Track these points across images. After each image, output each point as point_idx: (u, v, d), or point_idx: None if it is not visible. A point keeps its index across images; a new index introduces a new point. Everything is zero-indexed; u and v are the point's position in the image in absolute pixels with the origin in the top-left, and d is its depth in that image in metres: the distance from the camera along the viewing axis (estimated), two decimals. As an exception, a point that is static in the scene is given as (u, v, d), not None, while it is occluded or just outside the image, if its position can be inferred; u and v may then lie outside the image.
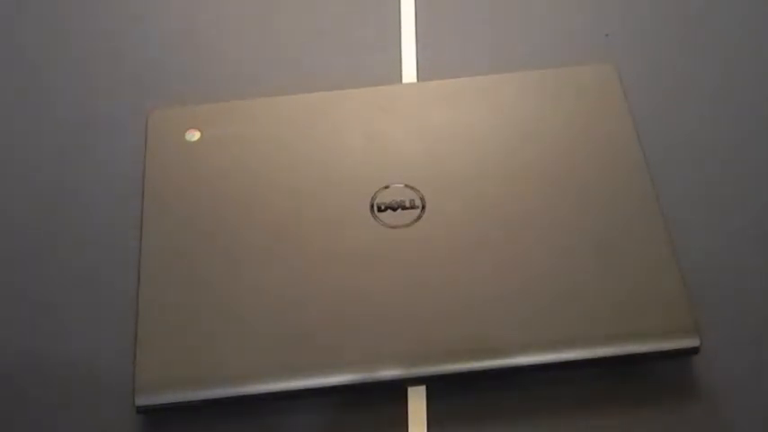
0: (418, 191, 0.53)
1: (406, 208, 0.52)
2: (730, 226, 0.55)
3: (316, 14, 0.67)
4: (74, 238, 0.56)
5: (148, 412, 0.48)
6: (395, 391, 0.49)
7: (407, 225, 0.52)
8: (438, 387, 0.49)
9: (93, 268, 0.54)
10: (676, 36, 0.65)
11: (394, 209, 0.52)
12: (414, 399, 0.49)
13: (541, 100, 0.57)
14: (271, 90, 0.60)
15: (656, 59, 0.63)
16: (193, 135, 0.56)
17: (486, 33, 0.65)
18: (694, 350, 0.48)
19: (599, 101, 0.57)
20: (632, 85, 0.58)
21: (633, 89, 0.58)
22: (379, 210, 0.52)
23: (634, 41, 0.64)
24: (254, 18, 0.67)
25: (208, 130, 0.56)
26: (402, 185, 0.53)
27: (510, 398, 0.48)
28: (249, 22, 0.67)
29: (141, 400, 0.47)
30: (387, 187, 0.53)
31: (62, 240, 0.56)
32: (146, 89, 0.63)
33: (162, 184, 0.54)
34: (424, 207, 0.52)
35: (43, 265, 0.55)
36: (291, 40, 0.66)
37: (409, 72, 0.63)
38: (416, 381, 0.49)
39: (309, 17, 0.67)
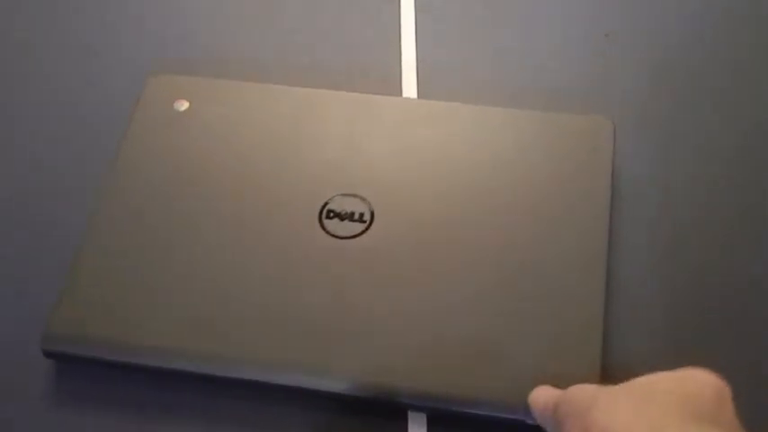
0: (369, 203, 0.52)
1: (354, 220, 0.52)
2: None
3: (318, 11, 0.67)
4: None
5: (55, 357, 0.49)
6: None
7: (353, 236, 0.51)
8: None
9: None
10: (676, 36, 0.63)
11: (341, 219, 0.52)
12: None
13: (524, 139, 0.55)
14: (271, 77, 0.60)
15: (656, 59, 0.62)
16: (182, 105, 0.58)
17: (485, 34, 0.64)
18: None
19: (584, 153, 0.54)
20: (631, 84, 0.58)
21: (633, 88, 0.58)
22: (328, 217, 0.52)
23: (634, 42, 0.63)
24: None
25: (197, 102, 0.58)
26: (354, 196, 0.53)
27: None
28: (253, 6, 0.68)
29: (47, 345, 0.49)
30: (340, 195, 0.53)
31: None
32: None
33: (137, 145, 0.56)
34: (372, 221, 0.52)
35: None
36: (298, 30, 0.66)
37: (408, 63, 0.62)
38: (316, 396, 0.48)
39: (314, 12, 0.67)
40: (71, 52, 0.66)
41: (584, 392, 0.39)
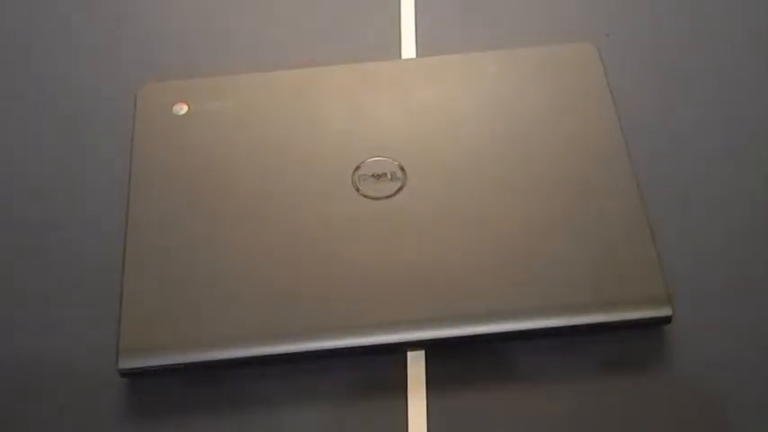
0: (399, 163, 0.54)
1: (388, 180, 0.53)
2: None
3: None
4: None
5: (132, 375, 0.49)
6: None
7: (389, 197, 0.53)
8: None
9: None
10: (677, 35, 0.65)
11: (375, 180, 0.53)
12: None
13: (524, 77, 0.58)
14: (260, 66, 0.61)
15: (656, 59, 0.63)
16: (181, 108, 0.57)
17: (485, 36, 0.66)
18: (666, 319, 0.49)
19: (579, 79, 0.57)
20: (630, 83, 0.59)
21: (631, 87, 0.59)
22: (361, 181, 0.53)
23: (634, 41, 0.64)
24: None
25: (195, 103, 0.57)
26: (384, 158, 0.54)
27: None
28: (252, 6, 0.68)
29: (124, 364, 0.48)
30: (369, 159, 0.54)
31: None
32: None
33: (149, 156, 0.55)
34: (405, 179, 0.53)
35: (36, 246, 0.56)
36: (285, 14, 0.67)
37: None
38: (407, 346, 0.50)
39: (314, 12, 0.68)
40: (71, 52, 0.65)
41: None
